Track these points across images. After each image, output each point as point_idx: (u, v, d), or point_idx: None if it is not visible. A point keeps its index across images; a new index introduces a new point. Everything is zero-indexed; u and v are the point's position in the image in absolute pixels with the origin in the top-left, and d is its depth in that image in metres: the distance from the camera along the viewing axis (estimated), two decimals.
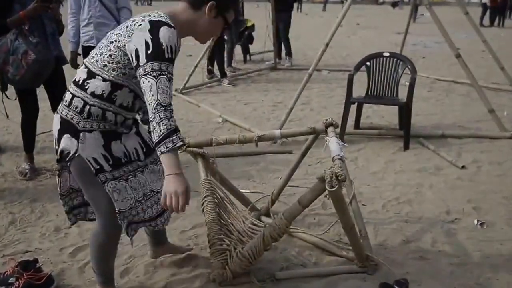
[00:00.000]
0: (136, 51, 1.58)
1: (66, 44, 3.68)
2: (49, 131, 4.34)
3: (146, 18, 1.62)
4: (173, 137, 1.54)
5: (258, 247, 2.10)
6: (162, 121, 1.53)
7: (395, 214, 2.94)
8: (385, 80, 4.42)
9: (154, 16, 1.64)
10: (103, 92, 1.69)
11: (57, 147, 1.78)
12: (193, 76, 6.38)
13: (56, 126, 1.77)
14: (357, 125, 4.49)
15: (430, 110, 5.40)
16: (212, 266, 2.20)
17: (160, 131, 1.53)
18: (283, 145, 4.07)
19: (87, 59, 1.77)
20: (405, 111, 4.14)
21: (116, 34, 1.67)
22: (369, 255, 2.33)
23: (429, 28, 14.39)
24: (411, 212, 2.96)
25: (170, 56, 1.57)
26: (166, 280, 2.26)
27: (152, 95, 1.54)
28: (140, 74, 1.57)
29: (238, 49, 8.38)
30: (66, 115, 1.74)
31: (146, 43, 1.56)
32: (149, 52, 1.55)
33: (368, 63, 4.46)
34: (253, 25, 8.50)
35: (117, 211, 1.77)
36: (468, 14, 5.51)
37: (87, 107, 1.70)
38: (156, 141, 1.54)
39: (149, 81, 1.54)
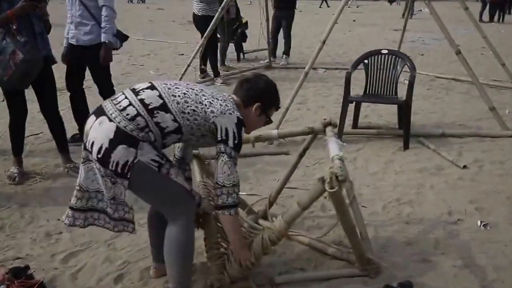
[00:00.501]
0: (227, 130, 1.91)
1: (54, 44, 3.59)
2: (37, 134, 4.27)
3: (235, 112, 1.95)
4: (231, 210, 1.97)
5: (256, 251, 2.04)
6: (231, 194, 1.94)
7: (396, 215, 2.87)
8: (384, 78, 4.35)
9: (236, 111, 1.96)
10: (167, 128, 1.88)
11: (98, 155, 1.82)
12: (186, 76, 6.28)
13: (108, 134, 1.82)
14: (355, 124, 4.41)
15: (430, 108, 5.34)
16: (210, 271, 2.13)
17: (227, 201, 1.94)
18: (279, 146, 4.00)
19: (164, 89, 1.92)
20: (404, 110, 4.06)
21: (210, 101, 1.93)
22: (370, 258, 2.26)
23: (428, 24, 14.33)
24: (412, 213, 2.89)
25: (239, 147, 1.95)
26: (162, 286, 2.19)
27: (226, 171, 1.91)
28: (221, 149, 1.90)
29: (231, 47, 8.27)
30: (125, 127, 1.82)
31: (234, 134, 1.91)
32: (235, 142, 1.91)
33: (366, 61, 4.39)
34: (246, 23, 8.39)
35: (189, 189, 2.01)
36: (468, 9, 5.44)
37: (147, 129, 1.85)
38: (220, 206, 1.95)
39: (228, 161, 1.91)
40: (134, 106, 1.85)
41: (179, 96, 1.91)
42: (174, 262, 2.00)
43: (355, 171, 3.53)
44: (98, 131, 1.83)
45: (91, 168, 1.94)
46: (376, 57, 4.38)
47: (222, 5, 6.09)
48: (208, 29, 5.98)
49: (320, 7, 24.08)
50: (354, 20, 16.81)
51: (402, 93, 4.26)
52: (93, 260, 2.42)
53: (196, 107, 1.90)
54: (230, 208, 1.95)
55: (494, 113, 4.42)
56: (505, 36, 12.36)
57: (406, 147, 3.99)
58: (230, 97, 2.05)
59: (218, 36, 7.12)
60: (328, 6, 24.17)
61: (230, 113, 1.93)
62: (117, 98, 1.93)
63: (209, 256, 2.14)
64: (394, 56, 4.35)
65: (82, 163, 1.96)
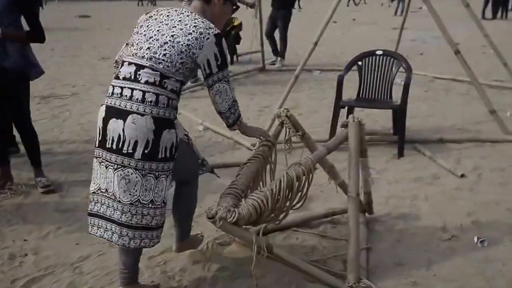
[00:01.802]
0: (208, 62, 1.94)
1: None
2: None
3: (210, 32, 1.93)
4: (240, 119, 2.14)
5: (278, 187, 1.95)
6: (237, 111, 2.08)
7: (387, 231, 2.67)
8: (378, 80, 4.14)
9: (208, 25, 1.94)
10: (177, 88, 1.97)
11: (146, 150, 1.87)
12: None
13: (149, 127, 1.87)
14: None
15: (427, 111, 5.12)
16: (219, 204, 1.86)
17: (235, 116, 2.09)
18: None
19: (149, 60, 1.91)
20: (399, 115, 3.85)
21: (187, 43, 1.91)
22: (361, 279, 2.08)
23: (429, 22, 14.09)
24: (404, 229, 2.69)
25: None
26: None
27: (228, 95, 2.02)
28: (213, 80, 1.97)
29: None
30: (158, 113, 1.89)
31: (215, 56, 1.94)
32: (218, 63, 1.96)
33: (359, 63, 4.19)
34: (240, 24, 8.18)
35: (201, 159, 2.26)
36: (469, 6, 5.23)
37: (171, 101, 1.93)
38: (232, 123, 2.10)
39: (224, 86, 1.99)
40: (149, 92, 1.88)
41: (163, 60, 1.91)
42: (191, 215, 2.35)
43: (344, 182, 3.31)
44: (138, 129, 1.85)
45: (124, 176, 1.88)
46: (370, 58, 4.17)
47: None
48: None
49: (347, 5, 23.73)
50: (354, 19, 16.58)
51: (398, 95, 4.04)
52: (55, 286, 2.24)
53: (182, 58, 1.92)
54: (237, 120, 2.10)
55: (495, 116, 4.20)
56: (508, 34, 12.08)
57: (400, 154, 3.78)
58: (191, 12, 1.99)
59: None
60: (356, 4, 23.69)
61: (207, 38, 1.92)
62: (122, 93, 1.91)
63: (224, 194, 1.97)
64: (389, 57, 4.14)
65: (115, 169, 1.90)
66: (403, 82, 4.00)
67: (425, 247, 2.48)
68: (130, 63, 1.94)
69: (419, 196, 3.10)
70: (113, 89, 1.94)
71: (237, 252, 2.50)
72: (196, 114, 5.14)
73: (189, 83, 6.42)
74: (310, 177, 2.15)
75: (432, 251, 2.46)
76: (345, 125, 2.32)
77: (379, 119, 4.71)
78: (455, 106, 5.34)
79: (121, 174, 1.88)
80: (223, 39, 1.98)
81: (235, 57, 8.39)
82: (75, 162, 3.85)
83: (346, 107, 4.09)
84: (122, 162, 1.88)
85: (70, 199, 3.19)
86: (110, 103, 1.92)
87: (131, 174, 1.88)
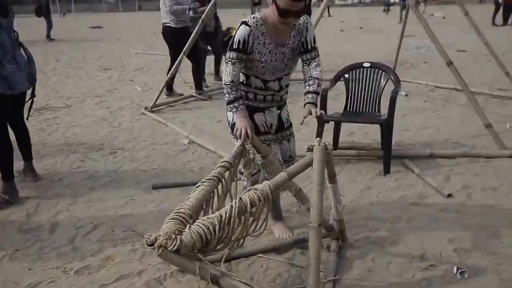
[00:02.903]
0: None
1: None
2: None
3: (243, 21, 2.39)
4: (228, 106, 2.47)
5: (228, 214, 1.82)
6: (225, 94, 2.44)
7: (360, 259, 2.47)
8: (366, 93, 3.96)
9: (248, 18, 2.38)
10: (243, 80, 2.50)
11: (287, 123, 2.70)
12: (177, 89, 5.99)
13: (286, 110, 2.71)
14: (335, 144, 4.01)
15: (423, 123, 4.90)
16: (162, 230, 1.72)
17: (226, 99, 2.44)
18: None
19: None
20: (385, 130, 3.65)
21: None
22: None
23: (437, 30, 13.81)
24: (379, 256, 2.48)
25: (236, 46, 2.35)
26: None
27: (223, 71, 2.44)
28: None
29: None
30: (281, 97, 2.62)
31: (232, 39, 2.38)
32: (230, 45, 2.39)
33: (346, 75, 4.01)
34: None
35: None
36: (468, 14, 5.05)
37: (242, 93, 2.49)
38: (227, 102, 2.47)
39: (225, 63, 2.43)
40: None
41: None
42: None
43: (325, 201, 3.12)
44: (284, 114, 2.66)
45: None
46: (357, 71, 4.00)
47: (203, 16, 5.79)
48: (189, 41, 5.70)
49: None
50: (361, 27, 16.38)
51: (396, 105, 3.76)
52: None
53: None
54: (228, 104, 2.42)
55: (490, 130, 3.96)
56: None
57: (386, 171, 3.58)
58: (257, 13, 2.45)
59: (202, 46, 6.85)
60: (330, 16, 23.76)
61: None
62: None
63: (169, 218, 1.80)
64: (377, 70, 3.95)
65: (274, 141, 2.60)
66: (402, 93, 3.80)
67: (398, 279, 2.28)
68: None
69: (401, 218, 2.90)
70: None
71: (195, 280, 2.33)
72: (184, 127, 5.02)
73: (194, 93, 6.36)
74: (268, 203, 1.98)
75: (405, 283, 2.25)
76: (310, 149, 2.14)
77: (370, 132, 4.51)
78: (452, 118, 5.10)
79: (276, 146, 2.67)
80: (242, 26, 2.35)
81: None
82: (50, 179, 3.74)
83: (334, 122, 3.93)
84: (276, 137, 2.68)
85: (36, 218, 3.07)
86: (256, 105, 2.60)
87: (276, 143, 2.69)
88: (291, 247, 2.58)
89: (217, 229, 1.78)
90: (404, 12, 16.68)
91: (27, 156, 3.71)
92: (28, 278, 2.38)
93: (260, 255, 2.52)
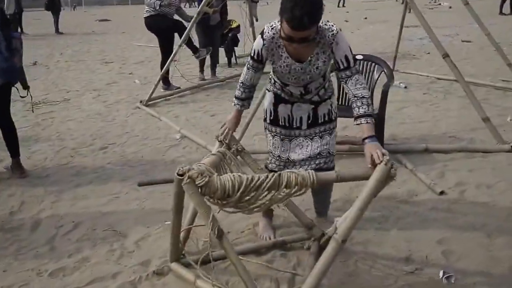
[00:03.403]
0: None
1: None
2: None
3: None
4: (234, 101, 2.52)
5: (260, 181, 1.84)
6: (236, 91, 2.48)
7: (342, 262, 2.37)
8: None
9: (266, 29, 2.26)
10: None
11: (325, 118, 2.47)
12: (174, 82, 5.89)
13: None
14: None
15: (420, 116, 4.76)
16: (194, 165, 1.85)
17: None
18: None
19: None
20: (377, 125, 3.51)
21: None
22: None
23: (443, 19, 13.52)
24: (362, 259, 2.39)
25: (252, 55, 2.31)
26: None
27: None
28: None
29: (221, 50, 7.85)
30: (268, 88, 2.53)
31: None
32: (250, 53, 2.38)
33: None
34: (238, 26, 7.93)
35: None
36: (468, 4, 4.89)
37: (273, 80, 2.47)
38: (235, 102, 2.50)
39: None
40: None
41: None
42: None
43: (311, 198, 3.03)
44: (323, 109, 2.46)
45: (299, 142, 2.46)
46: None
47: (199, 9, 5.69)
48: (185, 33, 5.61)
49: (338, 6, 23.24)
50: (366, 18, 16.10)
51: (394, 97, 3.64)
52: None
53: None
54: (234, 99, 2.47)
55: (488, 124, 3.83)
56: None
57: None
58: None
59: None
60: (344, 6, 23.38)
61: None
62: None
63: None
64: (370, 62, 3.83)
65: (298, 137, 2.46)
66: (402, 84, 3.67)
67: (379, 284, 2.19)
68: None
69: (389, 218, 2.80)
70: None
71: (171, 284, 2.27)
72: (177, 121, 4.95)
73: (161, 90, 6.27)
74: (302, 191, 1.93)
75: (389, 286, 2.16)
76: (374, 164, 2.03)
77: None
78: (452, 110, 4.95)
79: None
80: (258, 38, 2.27)
81: (234, 59, 8.15)
82: (38, 175, 3.70)
83: None
84: (313, 133, 2.49)
85: (19, 216, 3.03)
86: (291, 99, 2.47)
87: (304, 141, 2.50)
88: (270, 249, 2.50)
89: (242, 189, 1.82)
90: None
91: (14, 153, 3.68)
92: (0, 282, 2.33)
93: (240, 257, 2.44)
